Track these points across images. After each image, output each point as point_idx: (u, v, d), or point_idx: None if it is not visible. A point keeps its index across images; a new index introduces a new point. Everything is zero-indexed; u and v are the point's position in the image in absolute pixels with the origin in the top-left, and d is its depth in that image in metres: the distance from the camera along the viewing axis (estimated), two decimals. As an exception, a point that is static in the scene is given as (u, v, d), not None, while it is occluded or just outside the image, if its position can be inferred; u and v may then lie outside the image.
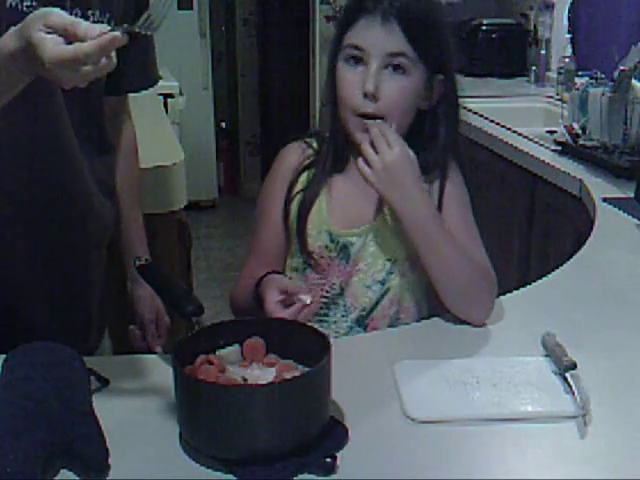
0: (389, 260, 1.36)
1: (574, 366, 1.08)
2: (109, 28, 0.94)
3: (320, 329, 1.34)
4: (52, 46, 0.94)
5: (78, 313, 1.43)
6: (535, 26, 3.55)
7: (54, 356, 1.03)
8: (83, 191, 1.36)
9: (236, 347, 1.05)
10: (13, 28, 1.01)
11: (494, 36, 3.58)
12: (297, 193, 1.37)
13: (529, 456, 0.96)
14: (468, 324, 1.27)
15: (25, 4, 1.20)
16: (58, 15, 0.96)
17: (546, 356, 1.16)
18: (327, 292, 1.38)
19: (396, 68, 1.25)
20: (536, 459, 0.96)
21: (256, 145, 5.60)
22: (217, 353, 1.03)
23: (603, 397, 1.07)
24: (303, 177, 1.37)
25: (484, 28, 3.59)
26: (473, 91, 3.12)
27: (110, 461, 0.91)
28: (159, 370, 1.14)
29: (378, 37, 1.24)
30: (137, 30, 0.99)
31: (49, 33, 0.94)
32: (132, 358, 1.21)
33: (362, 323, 1.37)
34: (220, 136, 5.42)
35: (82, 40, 0.93)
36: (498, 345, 1.23)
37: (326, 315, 1.38)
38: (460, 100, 1.36)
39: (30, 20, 0.98)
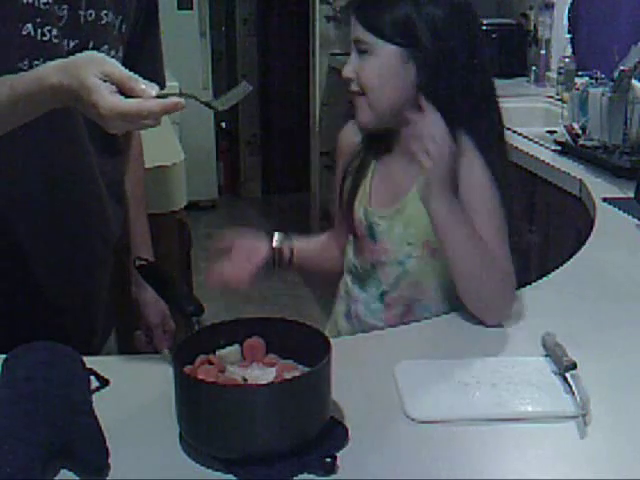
0: (409, 244, 1.39)
1: (574, 366, 1.08)
2: (157, 88, 1.01)
3: (347, 304, 1.47)
4: (109, 95, 0.97)
5: (83, 314, 1.43)
6: (535, 26, 3.54)
7: (54, 356, 1.03)
8: (91, 189, 1.36)
9: (236, 347, 1.05)
10: (55, 62, 1.03)
11: (494, 36, 3.57)
12: (348, 172, 1.48)
13: (529, 456, 0.96)
14: (469, 324, 1.28)
15: (42, 1, 1.20)
16: (114, 65, 1.00)
17: (546, 356, 1.16)
18: (359, 267, 1.46)
19: (362, 51, 1.37)
20: (536, 459, 0.96)
21: (256, 145, 5.60)
22: (217, 353, 1.04)
23: (603, 397, 1.07)
24: (357, 161, 1.47)
25: (484, 28, 3.58)
26: (473, 91, 3.11)
27: (110, 461, 0.91)
28: (159, 370, 1.13)
29: (350, 29, 1.40)
30: (203, 101, 1.05)
31: (103, 80, 0.98)
32: (132, 358, 1.21)
33: (382, 300, 1.43)
34: (220, 136, 5.41)
35: (138, 96, 0.98)
36: (498, 345, 1.23)
37: (362, 287, 1.45)
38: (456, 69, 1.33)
39: (83, 62, 1.00)
